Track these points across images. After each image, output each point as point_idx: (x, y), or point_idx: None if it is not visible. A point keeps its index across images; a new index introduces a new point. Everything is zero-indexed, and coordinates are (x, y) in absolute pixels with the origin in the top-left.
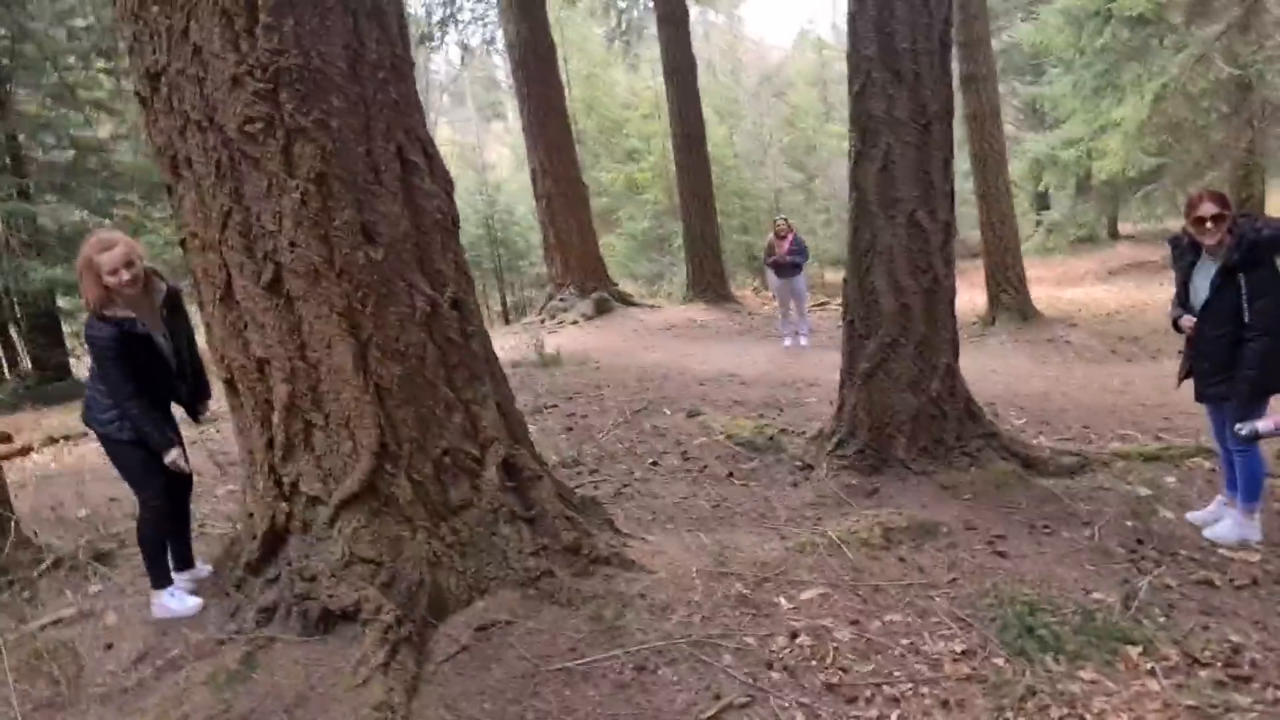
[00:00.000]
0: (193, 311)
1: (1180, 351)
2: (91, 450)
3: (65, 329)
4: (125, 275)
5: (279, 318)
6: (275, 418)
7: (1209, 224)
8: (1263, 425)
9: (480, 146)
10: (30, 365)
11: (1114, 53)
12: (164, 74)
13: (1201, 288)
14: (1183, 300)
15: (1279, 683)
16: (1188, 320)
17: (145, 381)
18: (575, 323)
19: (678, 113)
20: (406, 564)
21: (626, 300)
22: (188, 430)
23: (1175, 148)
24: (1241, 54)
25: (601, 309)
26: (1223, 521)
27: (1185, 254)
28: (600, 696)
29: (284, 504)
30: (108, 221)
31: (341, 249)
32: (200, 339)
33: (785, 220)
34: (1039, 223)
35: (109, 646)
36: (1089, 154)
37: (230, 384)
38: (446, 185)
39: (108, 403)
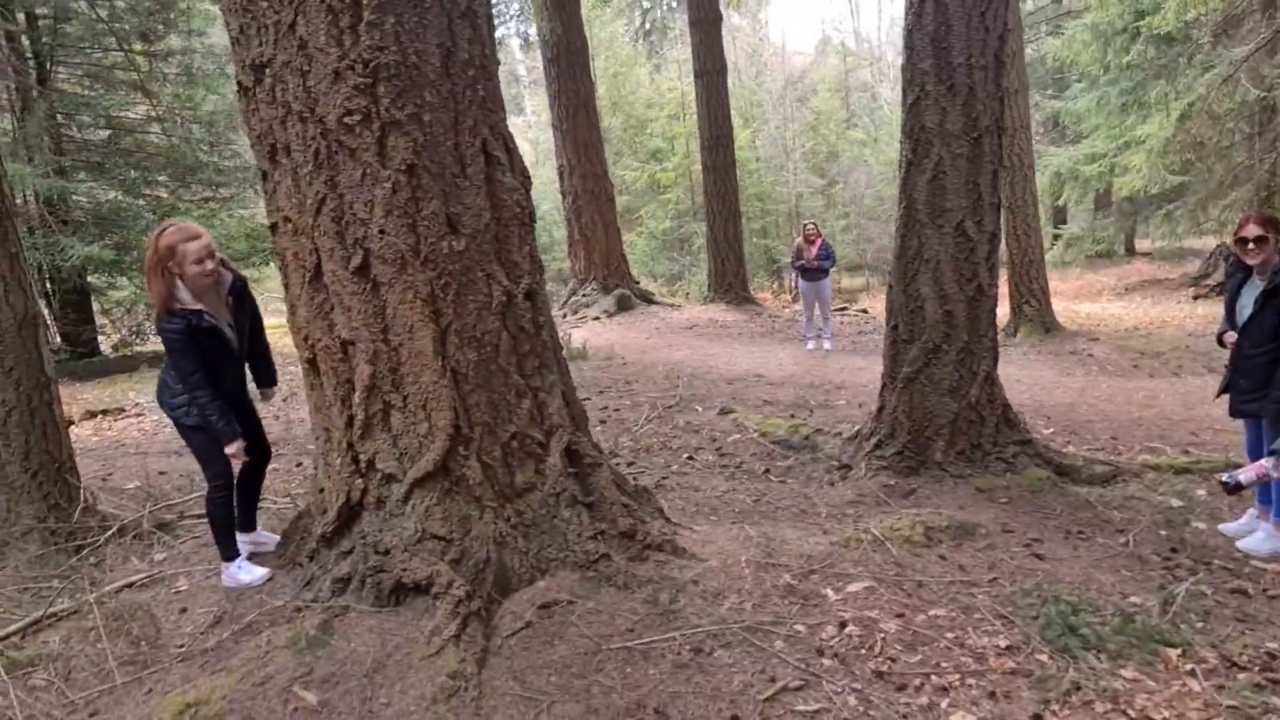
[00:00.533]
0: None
1: (1225, 366)
2: (131, 425)
3: (95, 306)
4: (209, 265)
5: (365, 302)
6: (356, 397)
7: (1251, 245)
8: (1244, 476)
9: None
10: (60, 340)
11: (1140, 70)
12: (269, 65)
13: (1246, 305)
14: (1230, 317)
15: None
16: (1230, 336)
17: (213, 371)
18: (598, 319)
19: (706, 114)
20: (474, 542)
21: (648, 298)
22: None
23: (1198, 167)
24: (1268, 76)
25: (623, 306)
26: (1255, 534)
27: (1236, 271)
28: (661, 675)
29: (360, 480)
30: (140, 202)
31: (427, 238)
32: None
33: (815, 225)
34: (1057, 236)
35: (183, 610)
36: (1111, 170)
37: (312, 363)
38: (525, 180)
39: (178, 388)
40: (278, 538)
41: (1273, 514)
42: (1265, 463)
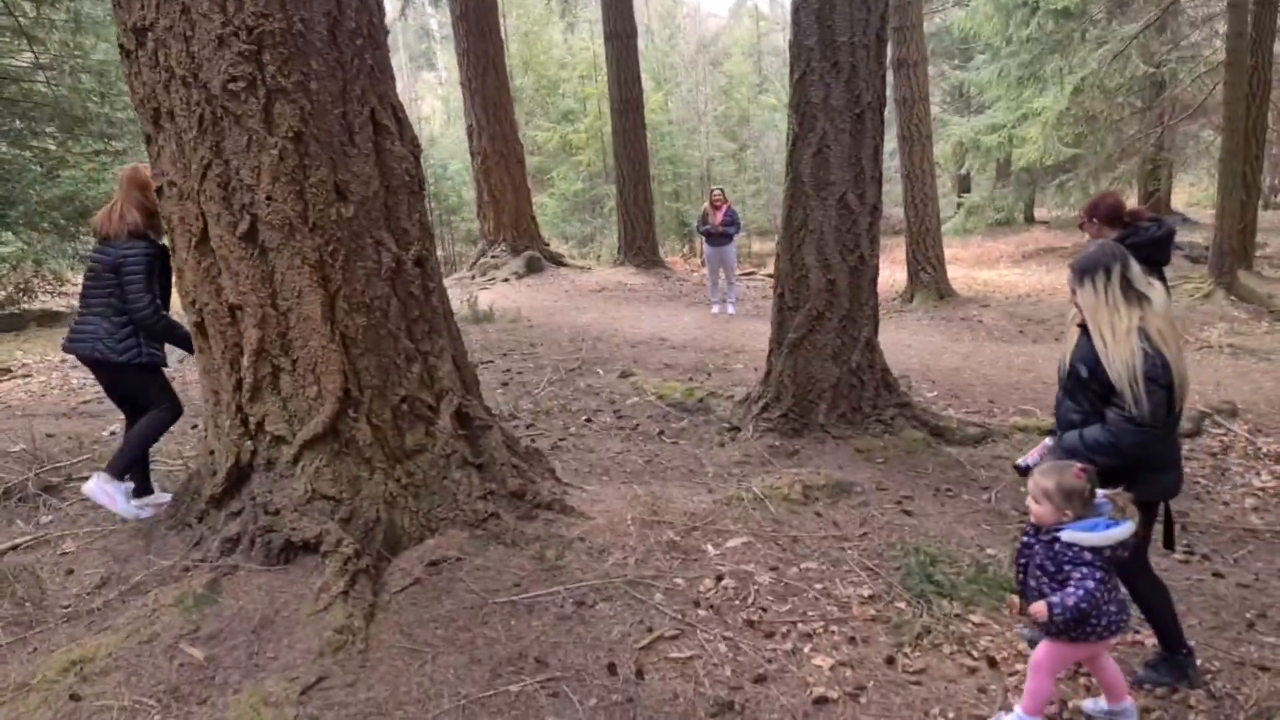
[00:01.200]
0: None
1: None
2: (17, 387)
3: None
4: None
5: (253, 267)
6: (244, 361)
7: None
8: (1030, 459)
9: (415, 98)
10: None
11: (1038, 44)
12: (151, 29)
13: None
14: None
15: (1139, 626)
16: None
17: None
18: (506, 280)
19: (616, 77)
20: (364, 502)
21: (557, 260)
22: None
23: (1090, 139)
24: (1156, 52)
25: (533, 268)
26: None
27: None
28: (543, 627)
29: (249, 442)
30: (27, 154)
31: (315, 205)
32: None
33: (721, 191)
34: (960, 204)
35: (69, 572)
36: (1010, 140)
37: (200, 327)
38: (414, 149)
39: (124, 332)
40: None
41: None
42: (1048, 441)
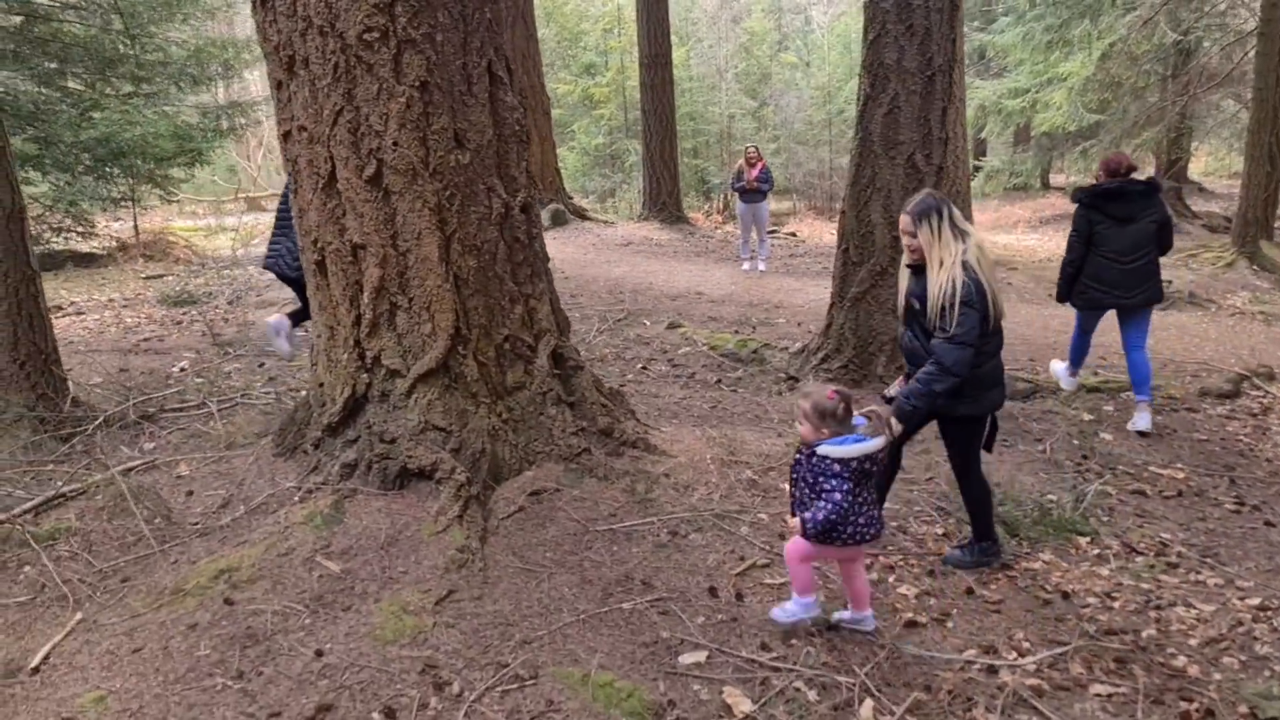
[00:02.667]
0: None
1: None
2: (74, 323)
3: None
4: None
5: (377, 209)
6: (364, 298)
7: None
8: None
9: None
10: None
11: (1066, 7)
12: None
13: None
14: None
15: (1198, 569)
16: None
17: None
18: None
19: (646, 31)
20: (471, 434)
21: (581, 214)
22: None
23: (1114, 106)
24: (1185, 20)
25: (557, 221)
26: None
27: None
28: (643, 553)
29: (365, 375)
30: (58, 95)
31: (436, 151)
32: None
33: (756, 148)
34: (977, 168)
35: (190, 493)
36: (1033, 105)
37: (320, 265)
38: (522, 99)
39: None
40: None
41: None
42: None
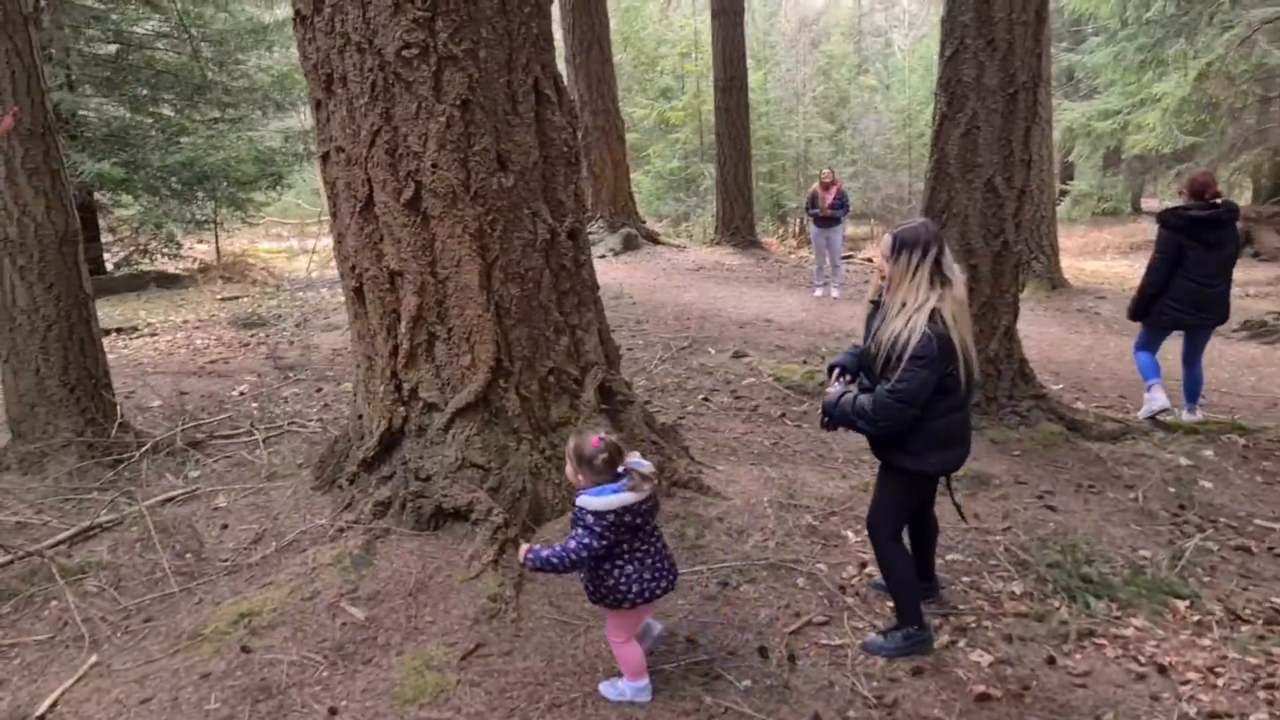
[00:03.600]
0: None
1: None
2: (146, 345)
3: (101, 224)
4: None
5: (415, 234)
6: (401, 327)
7: None
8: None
9: None
10: None
11: (1160, 26)
12: None
13: None
14: None
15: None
16: None
17: None
18: (603, 257)
19: (721, 54)
20: (511, 472)
21: (653, 238)
22: (235, 332)
23: (1211, 128)
24: None
25: (629, 245)
26: None
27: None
28: (690, 606)
29: (402, 408)
30: (149, 120)
31: (478, 174)
32: None
33: (832, 171)
34: (1064, 192)
35: (224, 526)
36: (1124, 127)
37: (358, 292)
38: (572, 120)
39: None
40: None
41: None
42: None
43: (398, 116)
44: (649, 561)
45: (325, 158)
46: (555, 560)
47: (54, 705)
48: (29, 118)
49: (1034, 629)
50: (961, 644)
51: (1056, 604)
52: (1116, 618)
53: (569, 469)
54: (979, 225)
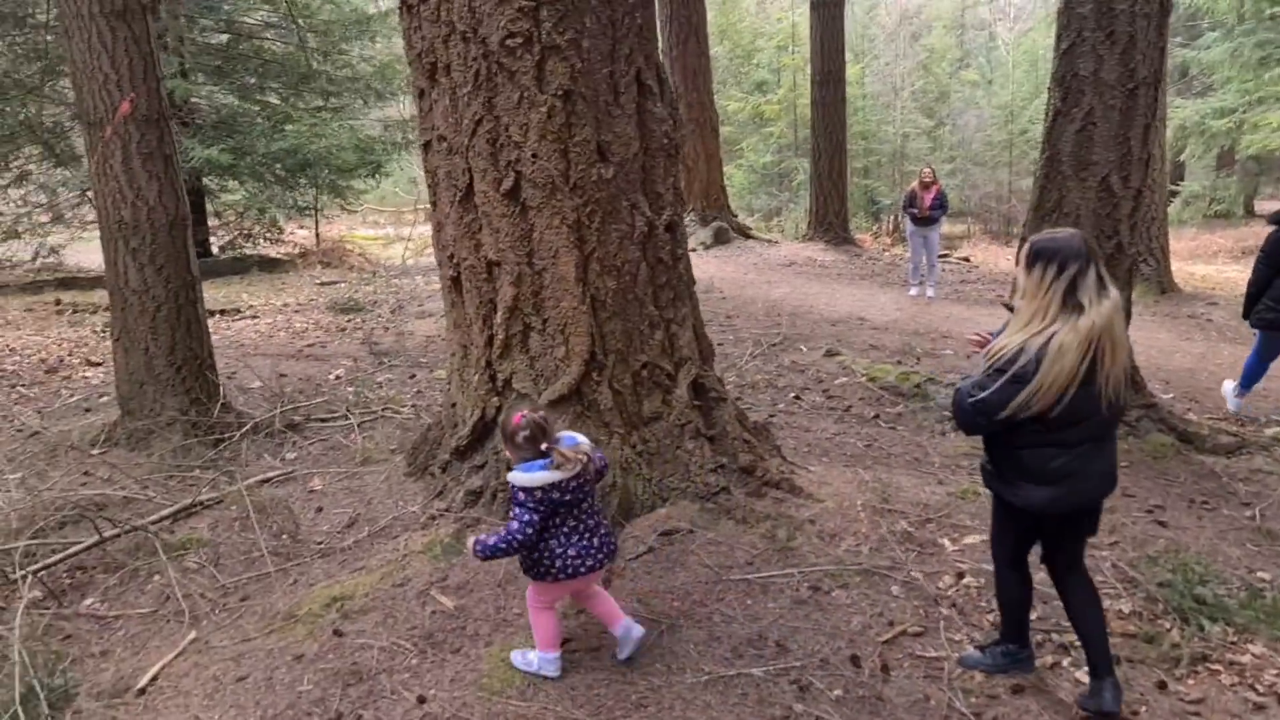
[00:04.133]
0: None
1: None
2: (248, 326)
3: (208, 208)
4: None
5: (513, 224)
6: (497, 318)
7: None
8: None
9: None
10: None
11: None
12: None
13: None
14: None
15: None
16: None
17: None
18: (694, 250)
19: (820, 48)
20: None
21: (745, 232)
22: (333, 317)
23: None
24: None
25: (720, 239)
26: None
27: None
28: (780, 609)
29: (495, 398)
30: (255, 107)
31: (578, 165)
32: None
33: (932, 170)
34: (1174, 193)
35: (319, 510)
36: (1240, 126)
37: (455, 281)
38: (673, 112)
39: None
40: None
41: None
42: None
43: (500, 106)
44: (575, 539)
45: (427, 146)
46: (503, 545)
47: (155, 678)
48: (145, 104)
49: (1144, 651)
50: (1066, 663)
51: (1167, 625)
52: (1232, 643)
53: (505, 447)
54: (1091, 226)
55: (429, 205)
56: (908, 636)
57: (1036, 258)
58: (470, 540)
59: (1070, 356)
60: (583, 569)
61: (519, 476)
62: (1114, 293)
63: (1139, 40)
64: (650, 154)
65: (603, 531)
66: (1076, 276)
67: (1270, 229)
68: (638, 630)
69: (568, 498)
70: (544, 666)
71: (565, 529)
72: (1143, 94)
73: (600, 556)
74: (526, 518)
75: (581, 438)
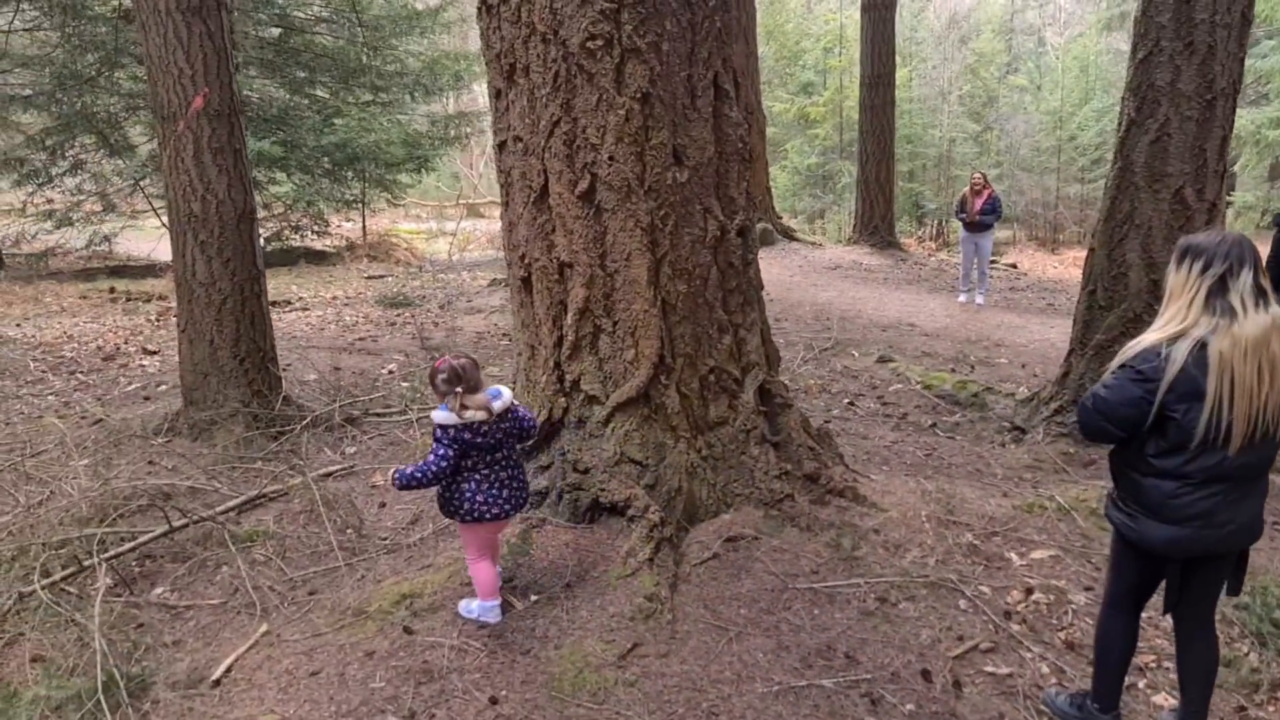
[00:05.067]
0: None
1: None
2: (299, 319)
3: (257, 199)
4: None
5: (587, 226)
6: (568, 319)
7: None
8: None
9: None
10: None
11: None
12: None
13: None
14: None
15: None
16: None
17: None
18: None
19: (870, 50)
20: (668, 470)
21: (789, 234)
22: (382, 310)
23: None
24: None
25: (764, 241)
26: None
27: None
28: (848, 620)
29: (563, 399)
30: (305, 101)
31: (653, 168)
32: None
33: (983, 176)
34: (1227, 204)
35: (382, 505)
36: None
37: (526, 282)
38: (748, 116)
39: None
40: None
41: None
42: None
43: (578, 108)
44: (484, 486)
45: (502, 146)
46: (418, 475)
47: (228, 670)
48: (217, 98)
49: (1221, 675)
50: (1141, 685)
51: (1245, 650)
52: None
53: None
54: (1164, 238)
55: (502, 205)
56: (978, 652)
57: (1184, 255)
58: (391, 470)
59: (1240, 368)
60: (488, 515)
61: (435, 415)
62: (1277, 309)
63: (1219, 51)
64: (725, 158)
65: (514, 485)
66: (1225, 276)
67: (1275, 231)
68: (496, 615)
69: (479, 440)
70: (484, 613)
71: (478, 475)
72: (1220, 105)
73: (506, 507)
74: (440, 452)
75: (505, 391)
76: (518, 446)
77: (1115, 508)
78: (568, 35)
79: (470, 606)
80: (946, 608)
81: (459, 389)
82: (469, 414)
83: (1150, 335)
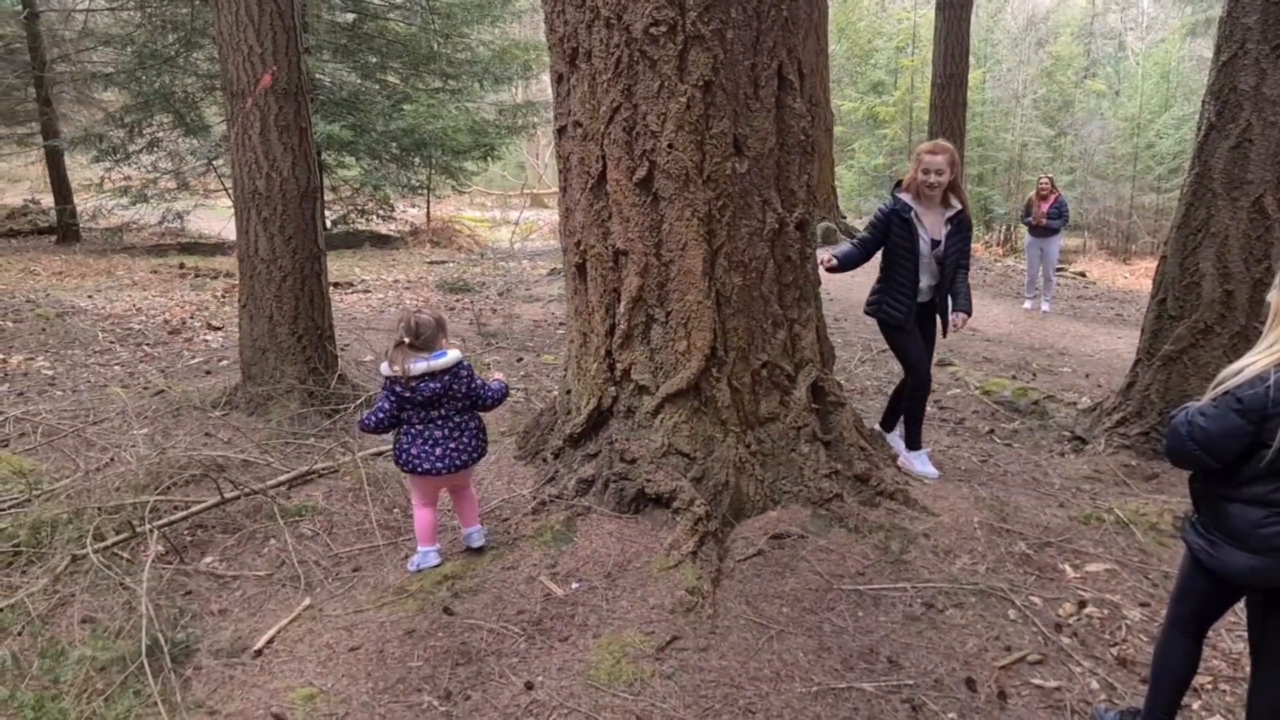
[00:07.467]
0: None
1: None
2: (360, 300)
3: (325, 182)
4: (934, 179)
5: (644, 214)
6: (621, 307)
7: None
8: None
9: None
10: None
11: None
12: None
13: None
14: None
15: None
16: None
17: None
18: None
19: (943, 50)
20: (715, 464)
21: (852, 234)
22: (442, 295)
23: None
24: None
25: (828, 239)
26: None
27: None
28: (892, 624)
29: (613, 388)
30: (375, 86)
31: (713, 157)
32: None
33: (1050, 180)
34: None
35: None
36: None
37: (581, 269)
38: (812, 108)
39: (876, 286)
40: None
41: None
42: None
43: (639, 94)
44: (417, 441)
45: (561, 131)
46: (365, 421)
47: (270, 641)
48: (285, 77)
49: None
50: (1196, 706)
51: None
52: None
53: None
54: (1240, 248)
55: (560, 191)
56: (1026, 664)
57: None
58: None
59: None
60: (419, 468)
61: (384, 369)
62: None
63: None
64: (786, 150)
65: (451, 445)
66: None
67: None
68: (477, 540)
69: (408, 395)
70: (422, 560)
71: (413, 429)
72: None
73: (439, 465)
74: (380, 402)
75: (451, 354)
76: (478, 413)
77: (1195, 532)
78: (631, 20)
79: (413, 559)
80: (995, 617)
81: (406, 340)
82: (385, 368)
83: (1256, 362)
